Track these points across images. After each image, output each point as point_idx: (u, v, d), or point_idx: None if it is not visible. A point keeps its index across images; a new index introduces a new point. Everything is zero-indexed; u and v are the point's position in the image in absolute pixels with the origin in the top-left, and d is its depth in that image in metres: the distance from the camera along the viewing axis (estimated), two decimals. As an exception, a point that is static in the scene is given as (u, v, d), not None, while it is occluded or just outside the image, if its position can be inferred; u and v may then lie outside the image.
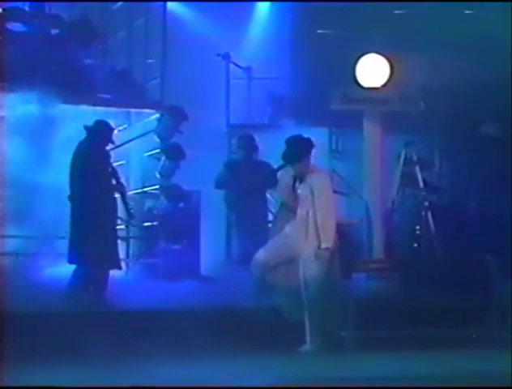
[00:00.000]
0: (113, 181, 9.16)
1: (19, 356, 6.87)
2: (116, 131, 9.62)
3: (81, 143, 9.21)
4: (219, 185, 11.16)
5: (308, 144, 8.40)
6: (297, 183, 8.37)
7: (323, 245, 8.16)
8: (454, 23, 11.19)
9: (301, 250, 8.23)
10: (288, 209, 8.44)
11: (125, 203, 9.35)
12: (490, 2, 10.58)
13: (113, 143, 9.37)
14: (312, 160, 8.36)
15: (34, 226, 9.86)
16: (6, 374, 6.41)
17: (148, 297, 8.95)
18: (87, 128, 9.24)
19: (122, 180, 9.31)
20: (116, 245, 9.32)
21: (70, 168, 9.08)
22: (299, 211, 8.31)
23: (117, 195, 9.31)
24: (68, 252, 9.02)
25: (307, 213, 8.24)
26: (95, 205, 8.90)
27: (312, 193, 8.24)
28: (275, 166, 10.14)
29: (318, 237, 8.16)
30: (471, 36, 10.97)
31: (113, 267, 9.13)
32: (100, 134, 9.22)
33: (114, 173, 9.18)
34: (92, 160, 9.02)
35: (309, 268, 8.17)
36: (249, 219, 10.78)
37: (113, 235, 9.28)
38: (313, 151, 8.39)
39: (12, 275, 8.88)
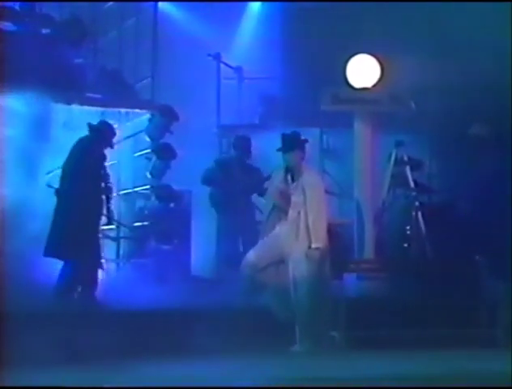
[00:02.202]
0: (103, 184, 9.12)
1: (19, 357, 6.86)
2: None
3: (81, 141, 9.21)
4: (206, 180, 11.12)
5: (301, 138, 8.48)
6: (289, 182, 8.40)
7: (314, 245, 8.19)
8: (445, 24, 11.22)
9: (292, 250, 8.24)
10: (280, 210, 8.46)
11: (108, 207, 9.32)
12: (486, 2, 10.60)
13: (112, 146, 9.38)
14: (304, 161, 8.43)
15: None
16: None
17: (139, 298, 8.93)
18: (90, 126, 9.26)
19: (111, 184, 9.30)
20: (98, 245, 9.26)
21: (65, 162, 9.07)
22: (291, 211, 8.33)
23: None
24: (46, 244, 8.94)
25: (299, 213, 8.26)
26: (82, 203, 8.85)
27: (304, 193, 8.28)
28: (265, 174, 10.28)
29: (309, 236, 8.19)
30: (462, 36, 10.99)
31: (93, 267, 9.06)
32: (103, 135, 9.24)
33: (106, 176, 9.16)
34: (90, 159, 9.01)
35: (300, 268, 8.19)
36: (234, 219, 10.78)
37: (95, 235, 9.20)
38: (307, 147, 8.48)
39: (11, 276, 8.87)
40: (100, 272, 9.15)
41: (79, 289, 8.93)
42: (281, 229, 8.40)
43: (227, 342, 7.81)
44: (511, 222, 9.52)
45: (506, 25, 10.55)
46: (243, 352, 7.68)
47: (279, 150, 8.46)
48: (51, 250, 8.93)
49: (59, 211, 8.97)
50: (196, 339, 7.75)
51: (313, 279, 8.18)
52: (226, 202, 10.90)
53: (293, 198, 8.33)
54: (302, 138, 8.55)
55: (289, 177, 8.42)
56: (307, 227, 8.21)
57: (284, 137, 8.49)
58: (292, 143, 8.43)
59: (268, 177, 9.45)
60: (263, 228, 8.60)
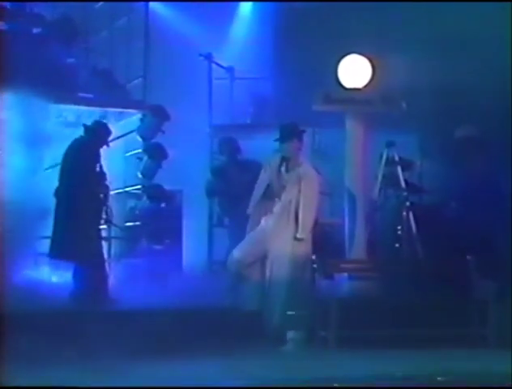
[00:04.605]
0: (100, 182, 9.19)
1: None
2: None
3: (76, 141, 9.26)
4: (210, 193, 11.12)
5: (299, 129, 8.50)
6: (283, 172, 8.37)
7: (299, 235, 8.21)
8: (437, 24, 11.25)
9: (278, 239, 8.22)
10: (267, 202, 8.41)
11: (106, 205, 9.36)
12: (478, 2, 10.62)
13: (107, 145, 9.41)
14: (302, 152, 8.45)
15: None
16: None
17: (130, 297, 8.94)
18: (85, 127, 9.30)
19: (108, 182, 9.35)
20: (100, 245, 9.31)
21: (61, 163, 9.14)
22: (283, 197, 8.32)
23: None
24: (50, 247, 9.04)
25: (290, 202, 8.27)
26: (82, 203, 8.92)
27: (299, 183, 8.29)
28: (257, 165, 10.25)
29: (296, 226, 8.20)
30: (453, 37, 11.02)
31: (95, 267, 9.09)
32: (98, 134, 9.30)
33: (103, 175, 9.22)
34: (86, 159, 9.08)
35: (280, 259, 8.18)
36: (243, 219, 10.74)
37: (97, 235, 9.29)
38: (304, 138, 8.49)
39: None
40: (100, 272, 9.17)
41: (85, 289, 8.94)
42: (268, 220, 8.37)
43: (218, 341, 7.81)
44: (502, 222, 9.58)
45: (498, 26, 10.58)
46: (233, 352, 7.67)
47: (276, 140, 8.49)
48: (56, 252, 8.98)
49: (60, 212, 9.01)
50: (187, 339, 7.75)
51: (292, 271, 8.18)
52: (233, 204, 10.84)
53: (289, 184, 8.31)
54: (300, 128, 8.57)
55: (284, 167, 8.40)
56: (296, 216, 8.23)
57: (282, 127, 8.51)
58: (289, 133, 8.45)
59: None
60: (250, 222, 8.54)
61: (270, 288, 8.24)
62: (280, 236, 8.26)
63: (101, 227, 9.57)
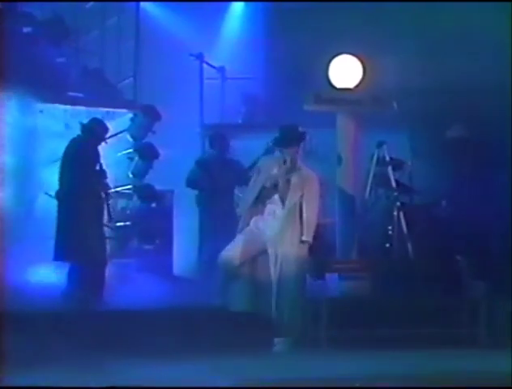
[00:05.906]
0: (101, 181, 9.20)
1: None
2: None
3: (74, 140, 9.25)
4: (190, 183, 11.10)
5: (301, 132, 8.46)
6: (285, 172, 8.33)
7: (304, 238, 8.20)
8: (428, 24, 11.27)
9: (283, 243, 8.21)
10: (261, 204, 8.39)
11: (108, 204, 9.36)
12: (469, 2, 10.65)
13: (105, 142, 9.42)
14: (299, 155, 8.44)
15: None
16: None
17: (120, 297, 8.93)
18: (82, 125, 9.29)
19: (108, 181, 9.37)
20: (103, 245, 9.33)
21: (61, 163, 9.14)
22: (287, 200, 8.28)
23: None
24: (54, 249, 9.04)
25: (294, 204, 8.25)
26: (83, 203, 8.94)
27: (302, 183, 8.26)
28: (247, 165, 10.27)
29: (301, 229, 8.19)
30: (444, 37, 11.05)
31: (100, 266, 9.09)
32: (95, 132, 9.29)
33: (103, 173, 9.22)
34: (86, 158, 9.09)
35: (287, 263, 8.17)
36: (221, 218, 10.73)
37: (100, 235, 9.30)
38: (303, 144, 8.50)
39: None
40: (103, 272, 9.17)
41: (86, 290, 8.93)
42: (258, 222, 8.35)
43: (209, 342, 7.81)
44: (493, 222, 9.61)
45: (489, 26, 10.61)
46: (225, 352, 7.67)
47: (276, 143, 8.44)
48: (58, 254, 8.98)
49: (62, 213, 9.01)
50: (178, 339, 7.74)
51: (297, 274, 8.19)
52: (212, 201, 10.85)
53: (291, 190, 8.27)
54: (299, 131, 8.53)
55: (285, 170, 8.34)
56: (300, 219, 8.22)
57: (286, 130, 8.43)
58: (294, 137, 8.41)
59: (251, 166, 9.39)
60: (241, 223, 8.49)
61: (277, 291, 8.19)
62: (286, 239, 8.22)
63: (104, 226, 9.55)
